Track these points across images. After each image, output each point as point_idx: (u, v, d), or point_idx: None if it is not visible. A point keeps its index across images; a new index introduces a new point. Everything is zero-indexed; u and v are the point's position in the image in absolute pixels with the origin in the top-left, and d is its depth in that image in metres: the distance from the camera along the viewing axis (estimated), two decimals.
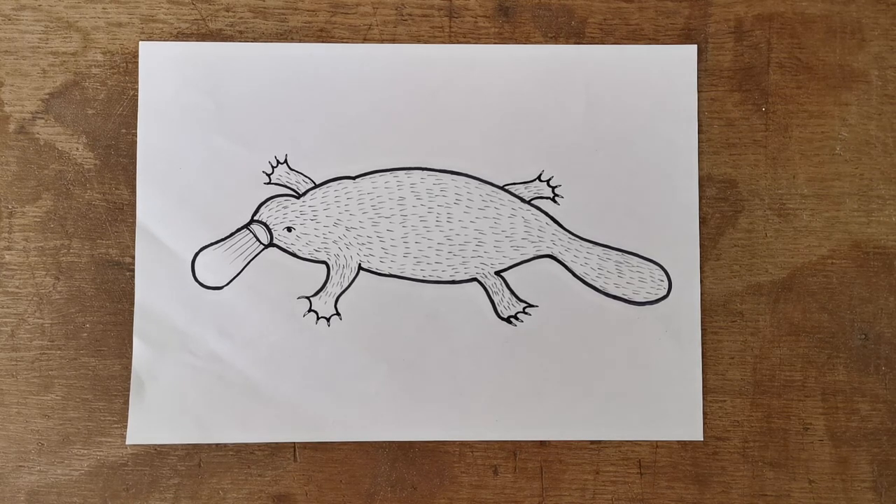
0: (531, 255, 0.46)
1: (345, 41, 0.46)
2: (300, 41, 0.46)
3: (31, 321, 0.45)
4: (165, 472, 0.45)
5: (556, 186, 0.46)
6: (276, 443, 0.45)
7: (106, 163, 0.46)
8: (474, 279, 0.46)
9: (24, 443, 0.45)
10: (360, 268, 0.46)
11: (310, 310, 0.45)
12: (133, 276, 0.45)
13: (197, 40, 0.46)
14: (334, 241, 0.46)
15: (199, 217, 0.45)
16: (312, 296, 0.45)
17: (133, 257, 0.45)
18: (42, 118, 0.46)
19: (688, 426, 0.45)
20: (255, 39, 0.46)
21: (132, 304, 0.45)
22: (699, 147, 0.46)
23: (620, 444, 0.45)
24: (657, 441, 0.45)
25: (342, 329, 0.45)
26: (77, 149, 0.46)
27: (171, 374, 0.45)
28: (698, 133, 0.46)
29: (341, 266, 0.45)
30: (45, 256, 0.45)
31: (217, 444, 0.45)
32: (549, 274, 0.46)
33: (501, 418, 0.45)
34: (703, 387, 0.45)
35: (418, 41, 0.46)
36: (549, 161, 0.46)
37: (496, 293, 0.45)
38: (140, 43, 0.46)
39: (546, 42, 0.47)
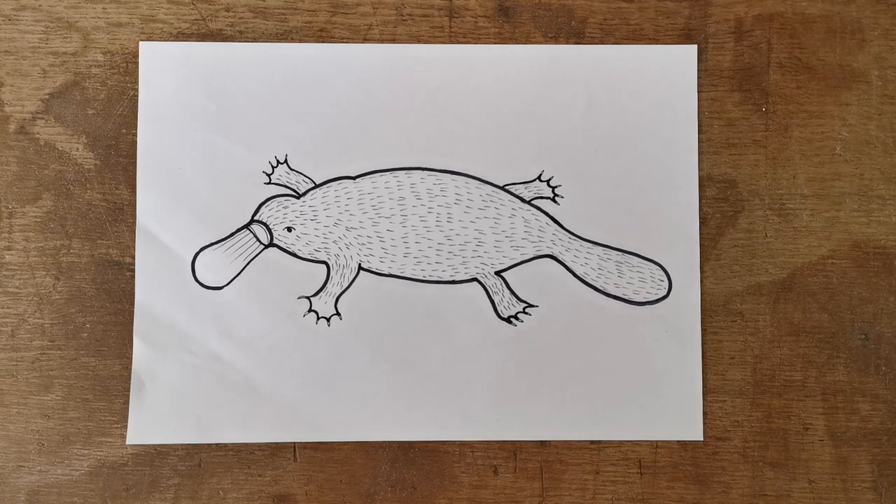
0: (531, 255, 0.46)
1: (345, 41, 0.46)
2: (300, 41, 0.46)
3: (32, 321, 0.45)
4: (165, 472, 0.45)
5: (556, 186, 0.46)
6: (276, 443, 0.45)
7: (106, 163, 0.46)
8: (474, 279, 0.46)
9: (24, 443, 0.45)
10: (360, 268, 0.46)
11: (310, 310, 0.45)
12: (133, 276, 0.45)
13: (197, 40, 0.46)
14: (334, 241, 0.46)
15: (199, 217, 0.45)
16: (312, 296, 0.45)
17: (133, 257, 0.45)
18: (42, 118, 0.46)
19: (688, 426, 0.45)
20: (255, 39, 0.46)
21: (132, 304, 0.45)
22: (699, 147, 0.46)
23: (620, 444, 0.45)
24: (657, 441, 0.45)
25: (342, 329, 0.45)
26: (77, 149, 0.46)
27: (171, 374, 0.45)
28: (698, 133, 0.46)
29: (341, 266, 0.45)
30: (45, 256, 0.45)
31: (217, 444, 0.45)
32: (549, 274, 0.46)
33: (501, 418, 0.45)
34: (703, 387, 0.45)
35: (418, 41, 0.46)
36: (549, 161, 0.46)
37: (496, 293, 0.45)
38: (140, 43, 0.46)
39: (546, 42, 0.47)
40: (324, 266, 0.46)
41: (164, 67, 0.46)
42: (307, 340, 0.45)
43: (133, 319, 0.45)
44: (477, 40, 0.46)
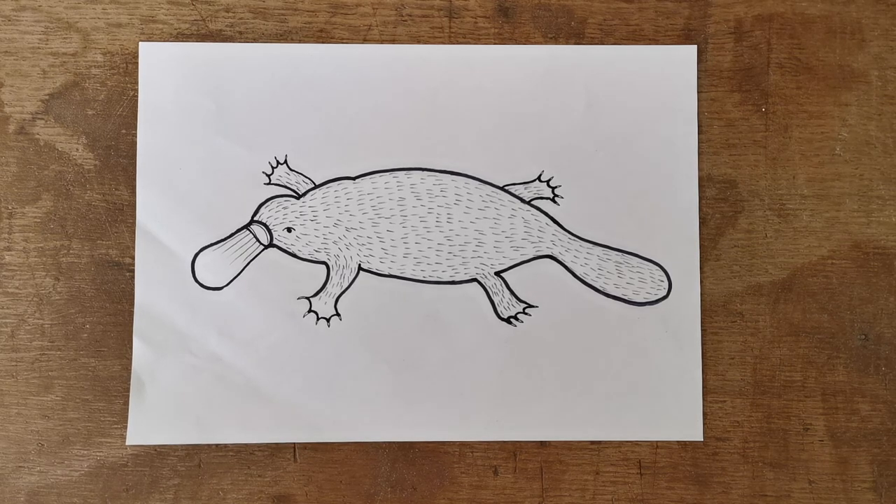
0: (531, 256, 0.46)
1: (345, 41, 0.46)
2: (300, 41, 0.46)
3: (31, 322, 0.45)
4: (165, 472, 0.45)
5: (556, 187, 0.46)
6: (276, 443, 0.45)
7: (106, 163, 0.46)
8: (474, 280, 0.46)
9: (24, 443, 0.45)
10: (359, 268, 0.46)
11: (310, 310, 0.45)
12: (133, 277, 0.45)
13: (197, 41, 0.46)
14: (334, 242, 0.46)
15: (199, 217, 0.45)
16: (312, 296, 0.45)
17: (133, 258, 0.45)
18: (42, 119, 0.46)
19: (688, 426, 0.45)
20: (255, 40, 0.46)
21: (132, 304, 0.45)
22: (699, 147, 0.46)
23: (620, 444, 0.45)
24: (657, 441, 0.45)
25: (342, 329, 0.45)
26: (77, 149, 0.46)
27: (171, 375, 0.45)
28: (698, 133, 0.46)
29: (341, 266, 0.46)
30: (45, 257, 0.45)
31: (217, 445, 0.45)
32: (549, 274, 0.46)
33: (501, 418, 0.45)
34: (703, 387, 0.45)
35: (418, 41, 0.46)
36: (549, 161, 0.46)
37: (496, 293, 0.45)
38: (140, 43, 0.46)
39: (546, 42, 0.47)
40: (324, 266, 0.46)
41: (164, 68, 0.46)
42: (307, 341, 0.45)
43: (133, 320, 0.45)
44: (477, 41, 0.46)
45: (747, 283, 0.46)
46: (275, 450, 0.45)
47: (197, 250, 0.45)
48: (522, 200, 0.46)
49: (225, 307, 0.45)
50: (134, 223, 0.45)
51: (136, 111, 0.46)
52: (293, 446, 0.45)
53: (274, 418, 0.45)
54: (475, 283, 0.46)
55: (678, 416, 0.45)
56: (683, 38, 0.47)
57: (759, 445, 0.45)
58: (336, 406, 0.45)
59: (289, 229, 0.46)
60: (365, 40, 0.46)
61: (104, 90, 0.46)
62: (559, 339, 0.45)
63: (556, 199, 0.46)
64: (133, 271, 0.45)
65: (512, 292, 0.46)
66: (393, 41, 0.46)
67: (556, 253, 0.46)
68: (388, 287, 0.45)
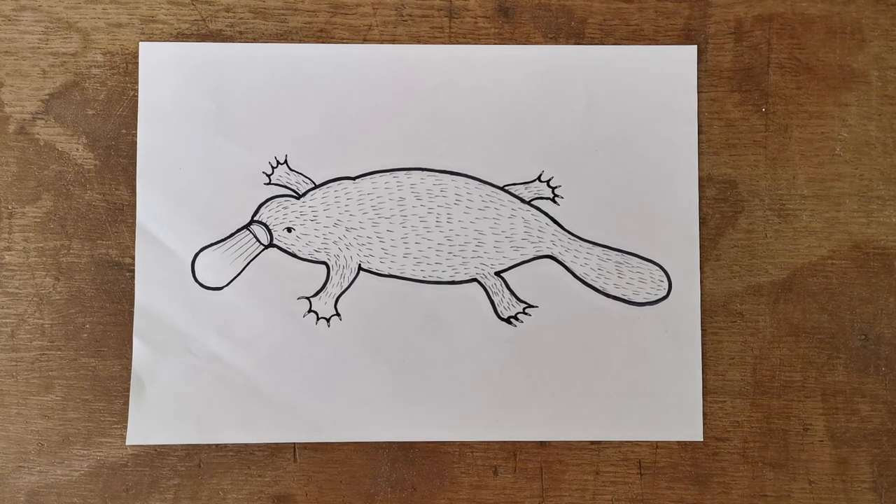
0: (531, 256, 0.46)
1: (345, 41, 0.46)
2: (300, 41, 0.46)
3: (31, 321, 0.45)
4: (165, 472, 0.45)
5: (556, 187, 0.46)
6: (276, 443, 0.45)
7: (106, 163, 0.46)
8: (474, 280, 0.46)
9: (24, 443, 0.45)
10: (359, 268, 0.46)
11: (310, 310, 0.45)
12: (133, 277, 0.45)
13: (197, 41, 0.46)
14: (334, 242, 0.46)
15: (199, 217, 0.45)
16: (312, 296, 0.45)
17: (133, 257, 0.45)
18: (42, 119, 0.46)
19: (688, 427, 0.45)
20: (255, 40, 0.46)
21: (132, 304, 0.45)
22: (699, 147, 0.46)
23: (620, 444, 0.45)
24: (657, 441, 0.45)
25: (342, 329, 0.45)
26: (77, 149, 0.46)
27: (171, 375, 0.45)
28: (698, 133, 0.46)
29: (341, 266, 0.46)
30: (45, 257, 0.45)
31: (217, 445, 0.45)
32: (549, 274, 0.46)
33: (501, 418, 0.45)
34: (703, 387, 0.45)
35: (418, 41, 0.46)
36: (549, 161, 0.46)
37: (496, 293, 0.45)
38: (140, 43, 0.46)
39: (546, 42, 0.47)
40: (324, 266, 0.46)
41: (164, 68, 0.46)
42: (307, 341, 0.45)
43: (133, 319, 0.45)
44: (477, 41, 0.46)
45: (747, 283, 0.46)
46: (275, 450, 0.45)
47: (197, 250, 0.45)
48: (522, 200, 0.46)
49: (225, 307, 0.45)
50: (134, 223, 0.45)
51: (136, 111, 0.46)
52: (293, 446, 0.45)
53: (274, 418, 0.45)
54: (475, 283, 0.46)
55: (678, 416, 0.45)
56: (683, 38, 0.47)
57: (759, 445, 0.45)
58: (336, 406, 0.45)
59: (289, 229, 0.46)
60: (365, 40, 0.46)
61: (104, 90, 0.46)
62: (559, 339, 0.45)
63: (556, 199, 0.46)
64: (133, 271, 0.45)
65: (512, 292, 0.46)
66: (393, 41, 0.46)
67: (556, 253, 0.46)
68: (388, 287, 0.45)
